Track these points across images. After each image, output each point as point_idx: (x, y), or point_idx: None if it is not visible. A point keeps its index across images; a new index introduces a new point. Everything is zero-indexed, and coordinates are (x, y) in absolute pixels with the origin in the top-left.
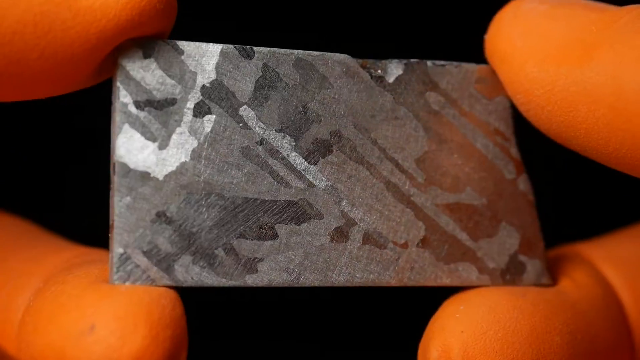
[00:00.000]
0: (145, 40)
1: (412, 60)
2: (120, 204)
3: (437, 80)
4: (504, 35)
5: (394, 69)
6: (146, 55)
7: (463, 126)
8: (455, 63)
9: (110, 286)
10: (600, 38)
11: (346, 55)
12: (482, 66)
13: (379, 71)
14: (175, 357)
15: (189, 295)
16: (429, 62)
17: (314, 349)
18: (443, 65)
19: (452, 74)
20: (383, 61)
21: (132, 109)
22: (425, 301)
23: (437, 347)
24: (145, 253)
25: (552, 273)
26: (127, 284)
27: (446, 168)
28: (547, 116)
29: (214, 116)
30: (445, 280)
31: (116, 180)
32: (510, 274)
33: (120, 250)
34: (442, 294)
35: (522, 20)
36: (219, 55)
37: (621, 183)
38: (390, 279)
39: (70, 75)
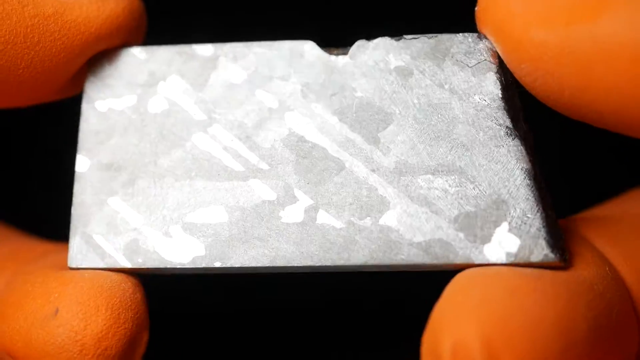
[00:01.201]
0: (112, 50)
1: (377, 38)
2: (77, 192)
3: (409, 55)
4: (499, 3)
5: (358, 49)
6: (111, 63)
7: (438, 97)
8: (429, 35)
9: (73, 273)
10: None
11: (308, 41)
12: (461, 34)
13: (342, 54)
14: (136, 338)
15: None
16: (397, 38)
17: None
18: (415, 39)
19: (425, 46)
20: (347, 47)
21: (97, 108)
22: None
23: (451, 340)
24: (99, 238)
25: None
26: (83, 266)
27: (418, 141)
28: (558, 83)
29: (175, 112)
30: (416, 260)
31: (76, 172)
32: (498, 248)
33: (77, 236)
34: (432, 282)
35: None
36: (180, 55)
37: (605, 154)
38: (350, 256)
39: (53, 83)
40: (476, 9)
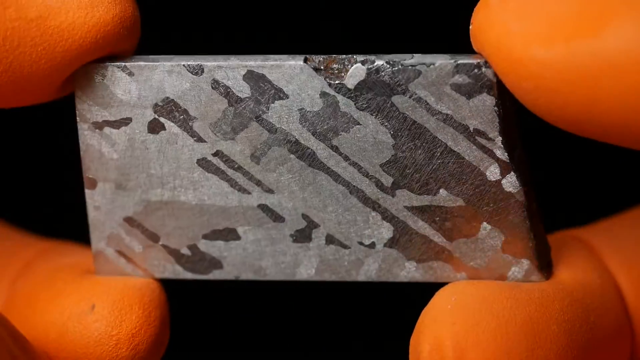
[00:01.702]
0: (100, 65)
1: (376, 62)
2: (91, 209)
3: (405, 82)
4: (495, 22)
5: (356, 74)
6: (100, 79)
7: (436, 129)
8: (427, 61)
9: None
10: (612, 4)
11: (302, 63)
12: (461, 62)
13: (338, 79)
14: (163, 335)
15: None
16: (394, 62)
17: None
18: (413, 66)
19: (423, 74)
20: (344, 63)
21: (92, 129)
22: (414, 299)
23: (428, 340)
24: (118, 251)
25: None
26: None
27: (417, 171)
28: (562, 100)
29: (168, 132)
30: (418, 277)
31: (87, 191)
32: (492, 271)
33: (96, 247)
34: (432, 290)
35: (513, 2)
36: (168, 74)
37: (619, 167)
38: (358, 275)
39: (34, 89)
40: (470, 27)
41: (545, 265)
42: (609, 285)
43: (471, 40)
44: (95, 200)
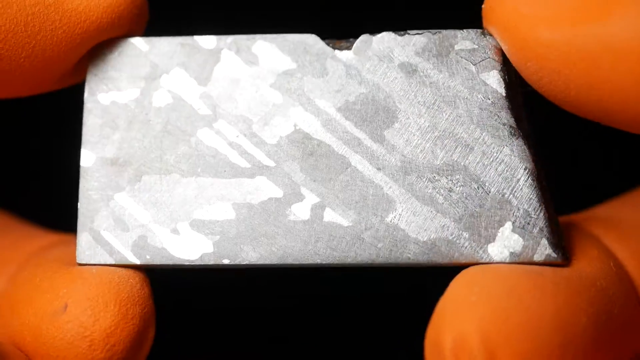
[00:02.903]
0: (113, 40)
1: (382, 33)
2: (83, 188)
3: (412, 49)
4: (506, 2)
5: (363, 43)
6: (113, 54)
7: (443, 95)
8: (433, 31)
9: (80, 268)
10: None
11: (312, 35)
12: (466, 30)
13: (346, 49)
14: (144, 333)
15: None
16: (401, 33)
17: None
18: (419, 34)
19: (429, 42)
20: (351, 39)
21: (97, 103)
22: (418, 294)
23: (452, 335)
24: (107, 234)
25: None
26: (92, 262)
27: (423, 140)
28: (564, 81)
29: (177, 106)
30: (422, 258)
31: (82, 166)
32: (502, 248)
33: (84, 232)
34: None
35: None
36: (182, 47)
37: (613, 150)
38: (357, 255)
39: (54, 73)
40: (483, 6)
41: (560, 246)
42: (623, 274)
43: (482, 18)
44: (90, 176)
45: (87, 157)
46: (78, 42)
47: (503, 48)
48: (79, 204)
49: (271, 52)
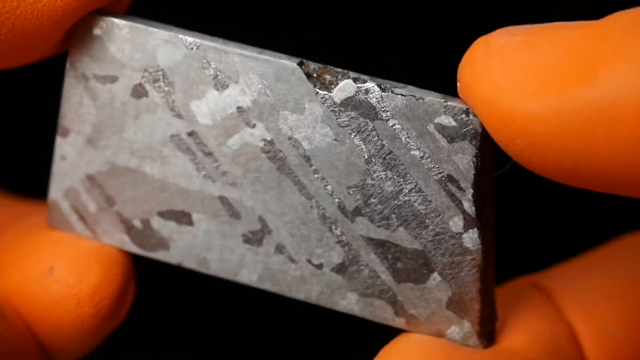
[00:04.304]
0: (101, 18)
1: (367, 83)
2: (58, 158)
3: (391, 110)
4: (482, 77)
5: (345, 89)
6: (98, 32)
7: (410, 165)
8: (418, 94)
9: (62, 232)
10: (601, 51)
11: (295, 65)
12: (450, 104)
13: (326, 90)
14: (126, 289)
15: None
16: (385, 88)
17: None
18: (403, 96)
19: (410, 106)
20: (337, 76)
21: (78, 79)
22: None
23: None
24: (72, 206)
25: (501, 311)
26: (60, 229)
27: (381, 203)
28: (559, 154)
29: (149, 100)
30: (356, 310)
31: (57, 139)
32: (431, 324)
33: (53, 198)
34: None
35: (499, 57)
36: (164, 43)
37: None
38: (297, 292)
39: (39, 46)
40: (458, 85)
41: (486, 333)
42: (564, 338)
43: (460, 97)
44: (64, 150)
45: (64, 133)
46: (61, 15)
47: (486, 127)
48: (51, 175)
49: (252, 72)
